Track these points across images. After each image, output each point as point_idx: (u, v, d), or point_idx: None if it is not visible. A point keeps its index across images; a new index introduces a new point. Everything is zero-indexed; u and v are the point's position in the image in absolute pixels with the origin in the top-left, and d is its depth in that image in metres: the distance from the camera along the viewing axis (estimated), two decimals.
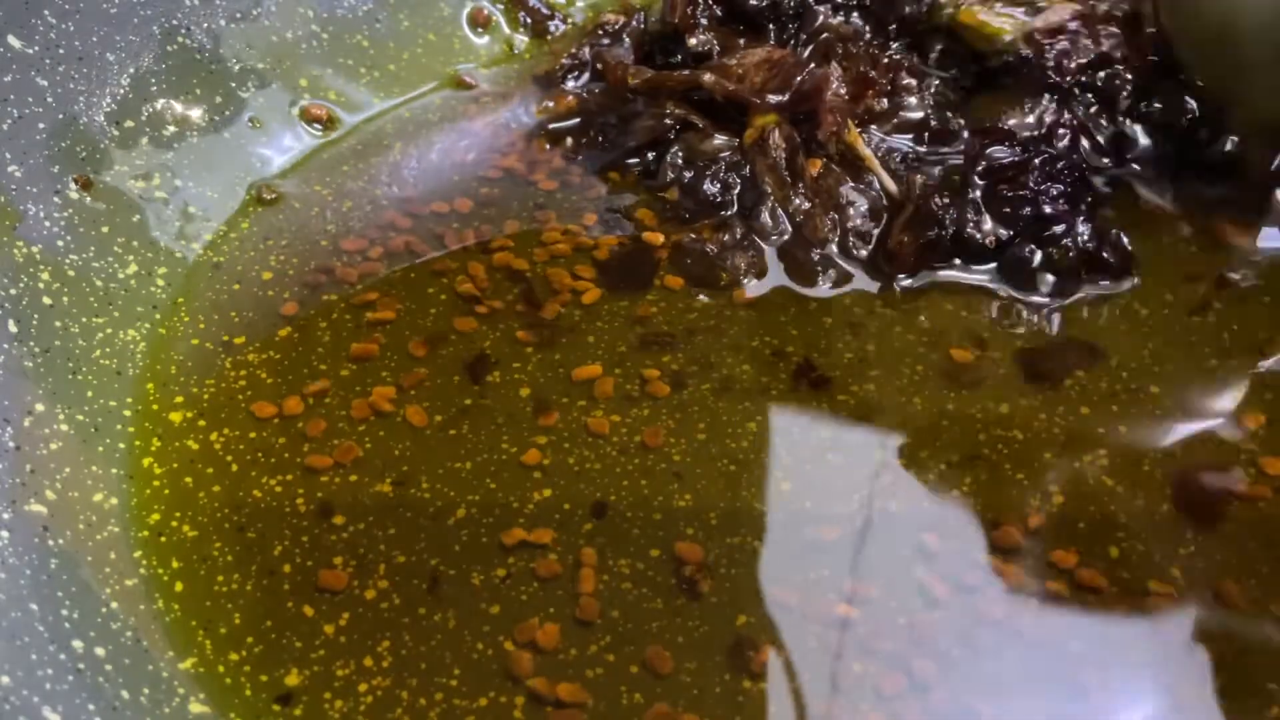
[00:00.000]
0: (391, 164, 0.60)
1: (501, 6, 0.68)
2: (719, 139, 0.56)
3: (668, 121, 0.57)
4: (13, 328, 0.46)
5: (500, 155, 0.60)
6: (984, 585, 0.41)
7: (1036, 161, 0.50)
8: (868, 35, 0.59)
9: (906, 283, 0.52)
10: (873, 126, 0.55)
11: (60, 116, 0.52)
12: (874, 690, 0.38)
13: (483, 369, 0.49)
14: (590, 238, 0.55)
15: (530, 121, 0.62)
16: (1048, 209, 0.49)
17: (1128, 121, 0.55)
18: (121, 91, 0.55)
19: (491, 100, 0.64)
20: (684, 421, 0.47)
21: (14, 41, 0.51)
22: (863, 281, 0.52)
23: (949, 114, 0.57)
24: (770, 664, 0.39)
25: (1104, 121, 0.55)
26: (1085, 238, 0.49)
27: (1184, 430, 0.45)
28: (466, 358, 0.49)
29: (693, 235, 0.52)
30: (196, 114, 0.58)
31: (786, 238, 0.53)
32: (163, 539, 0.43)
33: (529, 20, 0.68)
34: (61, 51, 0.53)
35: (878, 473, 0.45)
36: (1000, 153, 0.51)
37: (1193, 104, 0.54)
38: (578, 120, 0.61)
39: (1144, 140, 0.55)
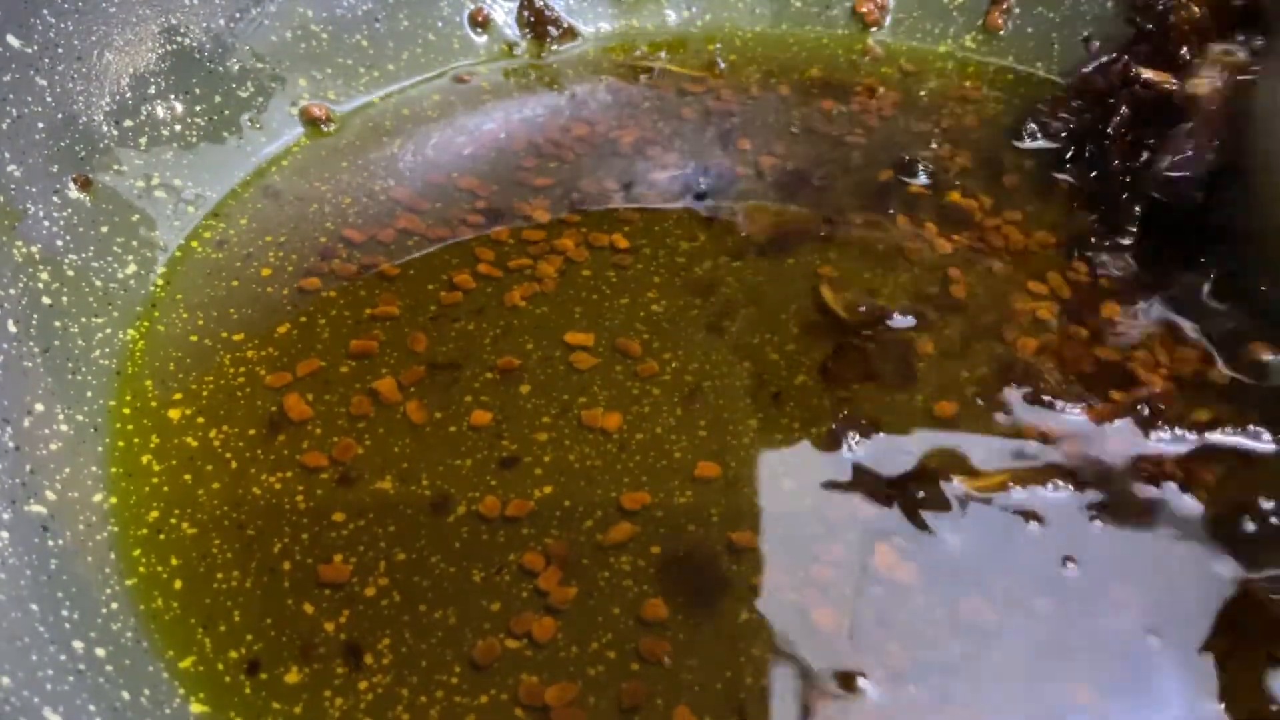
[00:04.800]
0: (390, 162, 0.60)
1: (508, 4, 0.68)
2: None
3: None
4: (12, 328, 0.46)
5: (503, 152, 0.60)
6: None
7: None
8: None
9: None
10: None
11: (59, 116, 0.52)
12: (874, 686, 0.38)
13: (482, 365, 0.49)
14: (583, 231, 0.55)
15: (530, 116, 0.62)
16: None
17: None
18: (121, 91, 0.55)
19: (491, 97, 0.64)
20: (685, 418, 0.46)
21: (13, 40, 0.51)
22: None
23: None
24: (772, 660, 0.39)
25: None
26: None
27: None
28: (467, 353, 0.49)
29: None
30: (195, 113, 0.58)
31: None
32: (162, 537, 0.42)
33: (531, 19, 0.68)
34: (61, 51, 0.53)
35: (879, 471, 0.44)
36: None
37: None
38: None
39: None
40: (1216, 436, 0.45)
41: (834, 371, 0.48)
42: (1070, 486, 0.43)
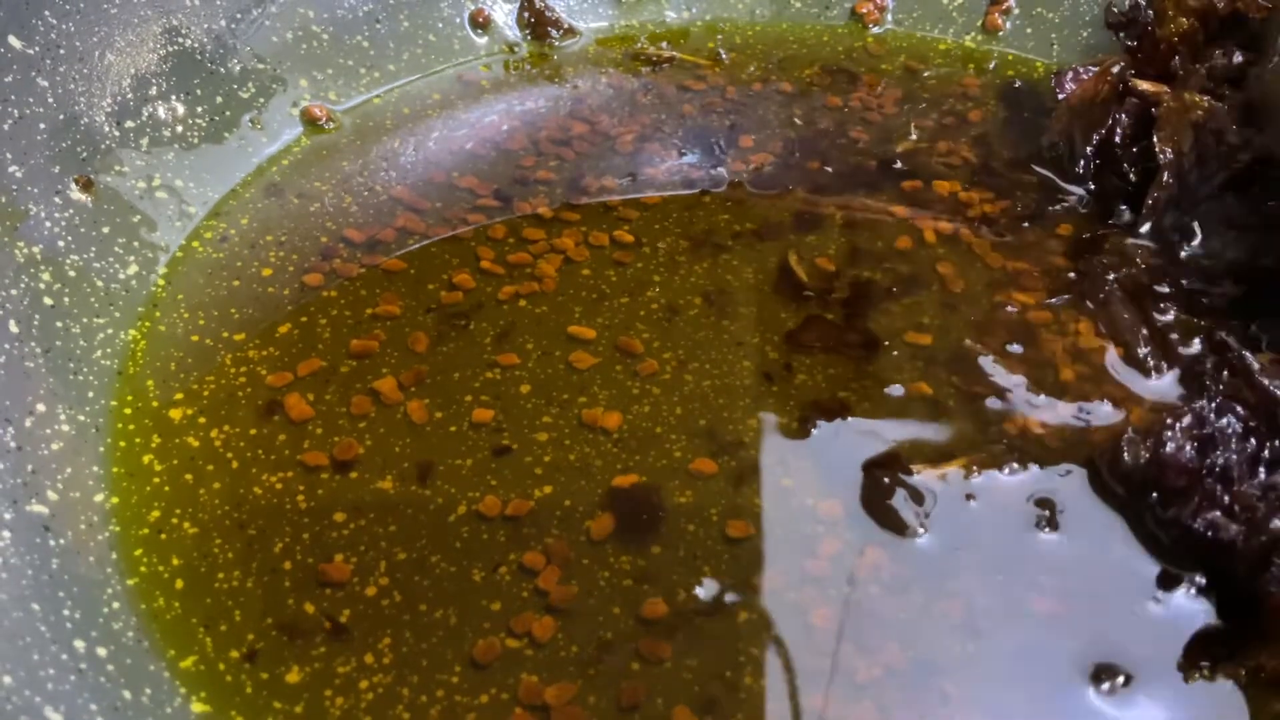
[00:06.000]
0: (391, 161, 0.60)
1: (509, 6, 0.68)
2: None
3: None
4: (14, 328, 0.46)
5: (503, 150, 0.60)
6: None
7: None
8: None
9: None
10: None
11: (61, 117, 0.52)
12: (874, 685, 0.38)
13: (482, 364, 0.49)
14: (583, 230, 0.55)
15: (531, 115, 0.63)
16: None
17: None
18: (122, 92, 0.55)
19: (491, 96, 0.64)
20: (685, 417, 0.46)
21: (14, 42, 0.51)
22: None
23: None
24: (771, 660, 0.39)
25: None
26: None
27: None
28: (467, 353, 0.49)
29: None
30: (197, 114, 0.58)
31: None
32: (163, 536, 0.42)
33: (532, 20, 0.68)
34: (62, 52, 0.53)
35: (881, 469, 0.44)
36: None
37: None
38: None
39: None
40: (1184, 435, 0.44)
41: (801, 341, 0.49)
42: (1033, 475, 0.44)
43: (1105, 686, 0.38)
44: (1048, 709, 0.37)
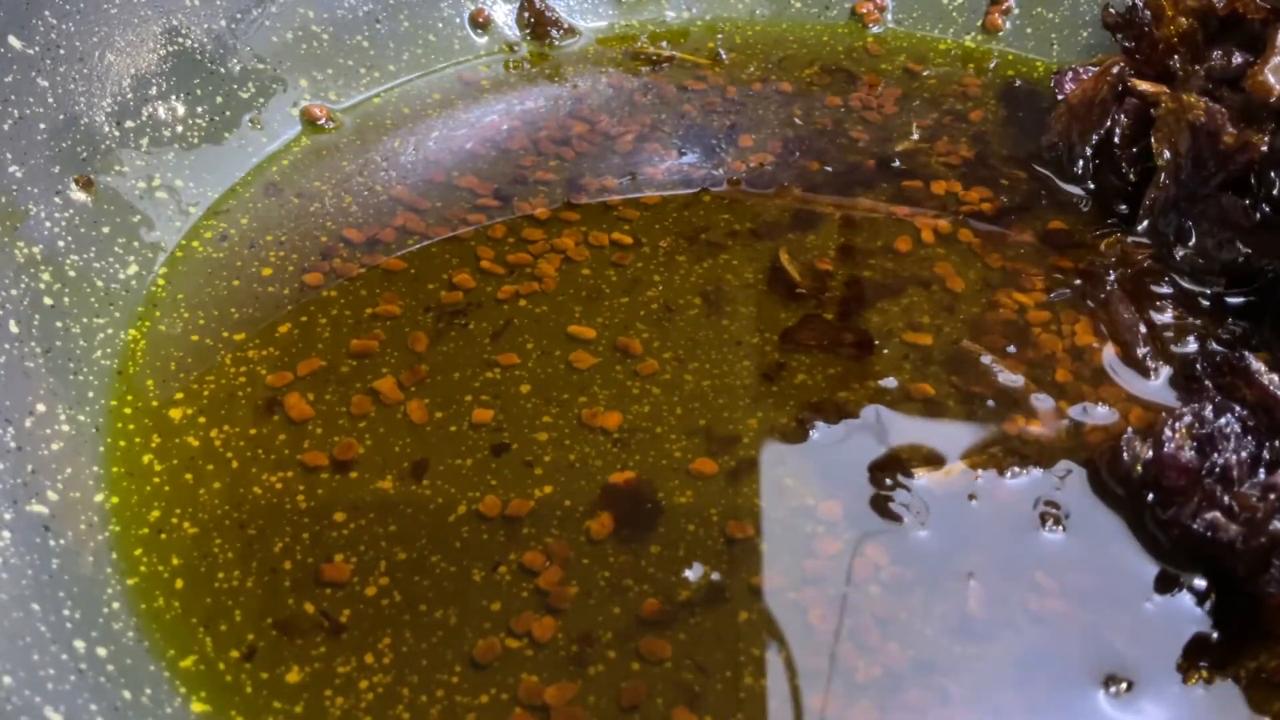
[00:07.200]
0: (391, 160, 0.60)
1: (509, 6, 0.68)
2: None
3: None
4: (14, 328, 0.46)
5: (503, 150, 0.60)
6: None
7: None
8: None
9: None
10: None
11: (61, 117, 0.52)
12: (873, 685, 0.38)
13: (482, 364, 0.49)
14: (582, 230, 0.55)
15: (531, 114, 0.63)
16: None
17: None
18: (122, 92, 0.55)
19: (491, 95, 0.64)
20: (684, 417, 0.46)
21: (14, 42, 0.51)
22: None
23: None
24: (771, 660, 0.39)
25: None
26: None
27: None
28: (467, 352, 0.49)
29: None
30: (197, 114, 0.58)
31: None
32: (163, 536, 0.43)
33: (532, 20, 0.68)
34: (62, 52, 0.53)
35: (880, 470, 0.44)
36: None
37: None
38: None
39: None
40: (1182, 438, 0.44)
41: (797, 339, 0.49)
42: (1032, 475, 0.44)
43: (1104, 687, 0.38)
44: (1046, 709, 0.37)
